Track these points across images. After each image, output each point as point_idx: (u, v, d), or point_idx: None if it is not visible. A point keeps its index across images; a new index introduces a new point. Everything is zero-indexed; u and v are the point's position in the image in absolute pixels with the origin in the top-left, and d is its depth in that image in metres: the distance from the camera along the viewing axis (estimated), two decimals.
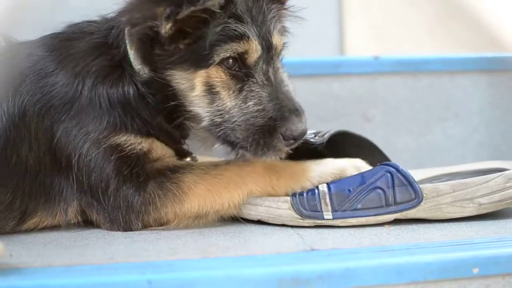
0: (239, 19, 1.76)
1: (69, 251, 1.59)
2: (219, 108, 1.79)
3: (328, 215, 1.74)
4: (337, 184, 1.77)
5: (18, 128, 1.77)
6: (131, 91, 1.80)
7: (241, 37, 1.76)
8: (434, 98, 2.54)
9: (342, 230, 1.72)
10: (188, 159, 1.91)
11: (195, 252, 1.56)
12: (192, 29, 1.73)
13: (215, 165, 1.81)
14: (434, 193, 1.75)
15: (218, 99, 1.79)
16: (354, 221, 1.74)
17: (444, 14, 3.56)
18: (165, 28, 1.71)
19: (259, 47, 1.78)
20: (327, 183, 1.78)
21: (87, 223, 1.82)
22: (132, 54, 1.81)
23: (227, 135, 1.79)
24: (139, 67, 1.81)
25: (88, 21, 1.92)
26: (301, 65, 2.44)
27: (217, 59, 1.75)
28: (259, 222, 1.79)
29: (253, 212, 1.78)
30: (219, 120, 1.79)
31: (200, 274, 1.40)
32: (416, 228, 1.72)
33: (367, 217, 1.74)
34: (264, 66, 1.81)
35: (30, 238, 1.73)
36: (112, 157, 1.76)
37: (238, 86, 1.79)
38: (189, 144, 1.94)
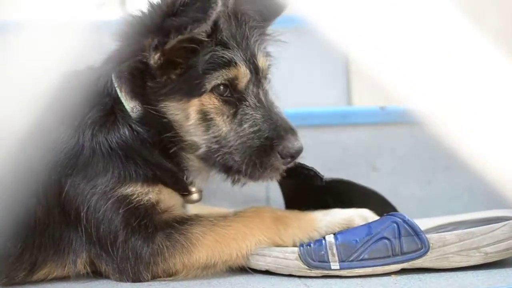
0: (225, 45, 1.80)
1: None
2: (215, 134, 1.82)
3: (335, 265, 1.75)
4: (344, 234, 1.77)
5: (26, 183, 1.79)
6: (127, 132, 1.82)
7: (229, 63, 1.80)
8: (440, 147, 2.55)
9: (348, 280, 1.72)
10: (193, 190, 1.91)
11: None
12: (182, 59, 1.77)
13: (223, 216, 1.82)
14: (441, 242, 1.75)
15: (214, 126, 1.82)
16: (361, 271, 1.74)
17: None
18: (154, 58, 1.75)
19: (247, 71, 1.83)
20: (334, 234, 1.78)
21: (96, 274, 1.83)
22: (122, 96, 1.84)
23: (225, 159, 1.82)
24: (131, 105, 1.84)
25: (77, 72, 1.95)
26: (309, 115, 2.45)
27: (209, 86, 1.79)
28: (267, 272, 1.79)
29: (261, 263, 1.79)
30: (216, 146, 1.82)
31: None
32: (422, 278, 1.72)
33: (373, 267, 1.75)
34: (254, 89, 1.85)
35: None
36: (120, 210, 1.77)
37: (232, 111, 1.83)
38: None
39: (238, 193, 2.42)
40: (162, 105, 1.81)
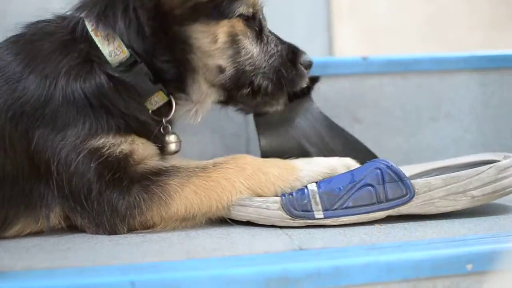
0: None
1: (51, 255, 1.55)
2: (248, 56, 1.88)
3: (319, 214, 1.70)
4: (326, 182, 1.73)
5: None
6: (104, 81, 1.77)
7: None
8: (425, 98, 2.52)
9: (331, 229, 1.68)
10: (172, 137, 1.90)
11: (181, 253, 1.52)
12: None
13: (202, 167, 1.77)
14: (426, 187, 1.72)
15: (243, 48, 1.87)
16: (345, 219, 1.71)
17: (435, 15, 3.55)
18: None
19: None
20: (316, 182, 1.74)
21: (71, 228, 1.78)
22: (98, 40, 1.80)
23: (258, 80, 1.90)
24: (109, 49, 1.80)
25: (45, 21, 1.90)
26: None
27: (237, 12, 1.83)
28: (248, 223, 1.75)
29: (242, 213, 1.74)
30: (249, 68, 1.88)
31: (185, 274, 1.36)
32: (407, 226, 1.68)
33: (358, 215, 1.71)
34: (262, 16, 1.94)
35: (12, 243, 1.69)
36: (92, 163, 1.72)
37: (255, 34, 1.89)
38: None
39: (219, 146, 2.41)
40: (185, 30, 1.81)
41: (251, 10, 1.87)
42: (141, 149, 1.79)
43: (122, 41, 1.80)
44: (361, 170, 1.73)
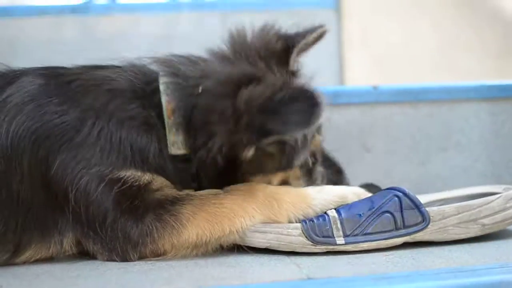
0: None
1: (61, 282, 1.56)
2: None
3: (340, 240, 1.71)
4: (346, 209, 1.75)
5: (9, 160, 1.72)
6: (157, 147, 1.78)
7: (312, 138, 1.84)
8: (435, 128, 2.52)
9: (340, 259, 1.68)
10: None
11: (189, 282, 1.52)
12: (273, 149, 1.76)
13: (214, 194, 1.76)
14: (440, 215, 1.75)
15: None
16: (365, 245, 1.72)
17: (446, 44, 3.55)
18: (247, 152, 1.72)
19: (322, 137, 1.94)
20: (335, 209, 1.75)
21: (82, 254, 1.78)
22: (168, 124, 1.79)
23: None
24: (175, 139, 1.79)
25: (113, 66, 1.89)
26: None
27: (297, 164, 1.82)
28: (256, 252, 1.74)
29: (261, 240, 1.74)
30: None
31: None
32: (416, 256, 1.68)
33: (378, 241, 1.72)
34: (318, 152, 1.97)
35: (23, 269, 1.69)
36: (113, 191, 1.71)
37: (305, 171, 1.90)
38: None
39: None
40: (246, 175, 1.80)
41: (309, 158, 1.88)
42: (160, 179, 1.78)
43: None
44: (380, 197, 1.76)
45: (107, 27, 3.43)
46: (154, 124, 1.79)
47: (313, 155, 1.91)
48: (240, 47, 1.83)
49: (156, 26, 3.61)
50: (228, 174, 1.79)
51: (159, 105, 1.80)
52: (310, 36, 1.89)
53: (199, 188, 1.82)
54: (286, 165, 1.80)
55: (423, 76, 3.54)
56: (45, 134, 1.73)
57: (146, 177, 1.75)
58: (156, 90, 1.81)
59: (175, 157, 1.80)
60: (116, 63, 1.88)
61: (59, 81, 1.81)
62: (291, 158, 1.77)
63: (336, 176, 2.05)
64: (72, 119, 1.74)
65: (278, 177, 1.84)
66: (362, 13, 3.59)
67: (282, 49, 1.85)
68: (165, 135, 1.79)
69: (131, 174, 1.73)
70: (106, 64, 1.88)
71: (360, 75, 3.35)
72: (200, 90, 1.76)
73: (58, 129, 1.73)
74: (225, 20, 3.50)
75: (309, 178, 1.93)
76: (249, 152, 1.71)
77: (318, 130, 1.90)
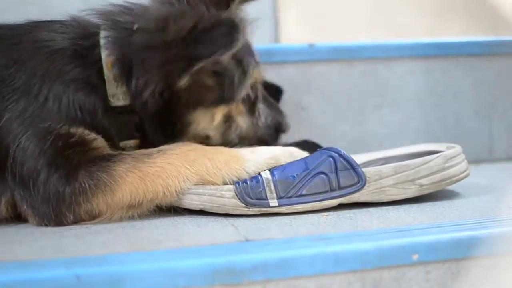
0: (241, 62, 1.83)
1: None
2: (237, 132, 1.93)
3: (273, 202, 1.70)
4: (280, 170, 1.73)
5: None
6: (100, 104, 1.79)
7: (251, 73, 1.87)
8: (370, 86, 2.52)
9: (278, 220, 1.68)
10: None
11: (126, 245, 1.50)
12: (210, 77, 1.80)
13: (147, 154, 1.74)
14: (377, 176, 1.74)
15: (236, 125, 1.92)
16: (299, 207, 1.71)
17: (382, 1, 3.56)
18: (181, 81, 1.74)
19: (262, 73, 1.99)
20: (269, 170, 1.74)
21: (19, 218, 1.75)
22: (109, 77, 1.80)
23: (235, 145, 1.90)
24: (116, 92, 1.80)
25: (56, 21, 1.88)
26: None
27: (239, 98, 1.84)
28: (195, 212, 1.73)
29: (195, 202, 1.72)
30: (236, 140, 1.92)
31: (131, 267, 1.34)
32: (353, 217, 1.68)
33: (312, 203, 1.72)
34: (259, 87, 1.99)
35: None
36: (53, 146, 1.69)
37: (248, 106, 1.94)
38: None
39: None
40: (189, 112, 1.84)
41: (250, 91, 1.93)
42: (101, 139, 1.78)
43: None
44: (314, 158, 1.74)
45: None
46: (95, 82, 1.79)
47: (254, 89, 1.95)
48: None
49: None
50: (170, 119, 1.82)
51: (99, 61, 1.80)
52: None
53: (144, 139, 1.84)
54: (227, 98, 1.82)
55: (359, 33, 3.54)
56: None
57: (90, 136, 1.74)
58: (96, 45, 1.81)
59: (117, 110, 1.80)
60: (60, 17, 1.88)
61: (5, 44, 1.82)
62: (231, 90, 1.79)
63: (280, 116, 2.10)
64: (20, 85, 1.75)
65: (220, 110, 1.86)
66: None
67: None
68: (105, 90, 1.79)
69: (81, 131, 1.73)
70: (51, 19, 1.88)
71: (296, 33, 3.33)
72: (135, 28, 1.78)
73: (6, 92, 1.74)
74: None
75: (252, 115, 1.97)
76: (183, 81, 1.73)
77: (257, 65, 1.94)
